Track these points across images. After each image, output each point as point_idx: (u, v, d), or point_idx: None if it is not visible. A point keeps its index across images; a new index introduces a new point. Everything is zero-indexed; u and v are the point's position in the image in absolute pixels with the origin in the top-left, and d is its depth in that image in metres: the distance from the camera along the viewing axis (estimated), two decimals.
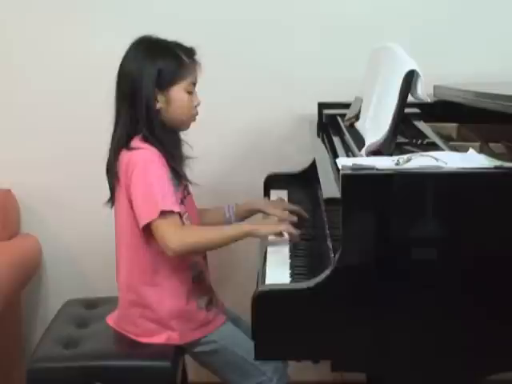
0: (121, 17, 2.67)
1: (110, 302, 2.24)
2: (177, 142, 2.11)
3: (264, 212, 2.25)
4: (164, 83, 2.03)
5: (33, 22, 2.69)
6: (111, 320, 2.19)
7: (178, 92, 2.05)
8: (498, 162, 1.69)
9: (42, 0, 2.69)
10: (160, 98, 2.03)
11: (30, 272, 2.74)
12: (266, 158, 2.74)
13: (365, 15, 2.64)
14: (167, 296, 2.07)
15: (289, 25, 2.66)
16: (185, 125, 2.11)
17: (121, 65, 2.07)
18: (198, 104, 2.10)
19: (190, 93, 2.07)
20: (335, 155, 1.98)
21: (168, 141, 2.05)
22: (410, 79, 1.79)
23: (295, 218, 2.12)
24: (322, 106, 2.54)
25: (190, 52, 2.07)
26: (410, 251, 1.68)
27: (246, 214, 2.30)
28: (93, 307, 2.39)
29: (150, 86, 2.01)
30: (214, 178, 2.69)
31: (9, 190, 2.73)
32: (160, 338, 2.08)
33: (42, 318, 2.83)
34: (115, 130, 2.07)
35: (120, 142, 2.04)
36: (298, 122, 2.68)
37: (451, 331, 1.71)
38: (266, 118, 2.72)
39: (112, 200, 2.12)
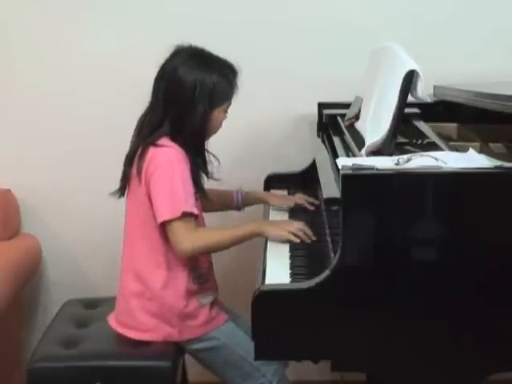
0: (121, 17, 2.68)
1: (110, 302, 2.24)
2: (203, 149, 2.14)
3: (268, 203, 2.39)
4: (212, 104, 2.05)
5: (33, 21, 2.69)
6: (111, 320, 2.19)
7: (219, 113, 2.09)
8: (498, 162, 1.69)
9: (42, 0, 2.69)
10: None
11: (30, 272, 2.74)
12: (265, 157, 2.74)
13: (365, 15, 2.64)
14: (171, 293, 2.08)
15: (289, 25, 2.66)
16: (209, 137, 2.15)
17: (171, 71, 2.05)
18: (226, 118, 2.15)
19: (225, 111, 2.12)
20: (335, 155, 1.98)
21: (197, 147, 2.10)
22: (410, 79, 1.79)
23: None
24: (321, 106, 2.55)
25: (236, 74, 2.10)
26: (409, 251, 1.68)
27: (251, 203, 2.41)
28: (93, 307, 2.39)
29: (206, 103, 2.03)
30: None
31: (9, 190, 2.73)
32: (159, 334, 2.08)
33: (41, 318, 2.83)
34: (154, 129, 2.05)
35: (155, 141, 2.03)
36: (298, 122, 2.68)
37: (451, 331, 1.71)
38: (266, 118, 2.72)
39: (121, 191, 2.13)
